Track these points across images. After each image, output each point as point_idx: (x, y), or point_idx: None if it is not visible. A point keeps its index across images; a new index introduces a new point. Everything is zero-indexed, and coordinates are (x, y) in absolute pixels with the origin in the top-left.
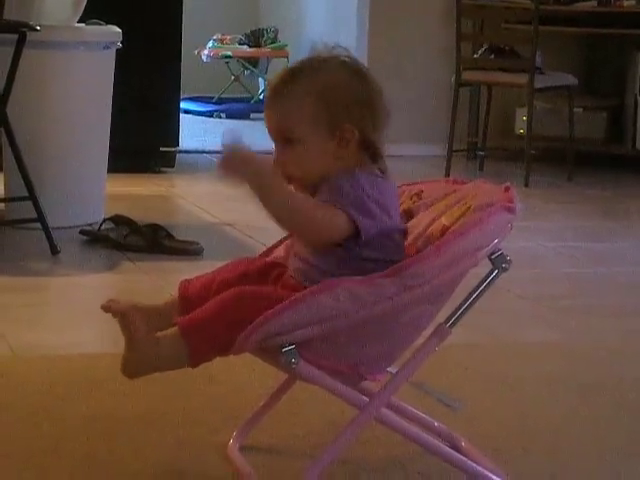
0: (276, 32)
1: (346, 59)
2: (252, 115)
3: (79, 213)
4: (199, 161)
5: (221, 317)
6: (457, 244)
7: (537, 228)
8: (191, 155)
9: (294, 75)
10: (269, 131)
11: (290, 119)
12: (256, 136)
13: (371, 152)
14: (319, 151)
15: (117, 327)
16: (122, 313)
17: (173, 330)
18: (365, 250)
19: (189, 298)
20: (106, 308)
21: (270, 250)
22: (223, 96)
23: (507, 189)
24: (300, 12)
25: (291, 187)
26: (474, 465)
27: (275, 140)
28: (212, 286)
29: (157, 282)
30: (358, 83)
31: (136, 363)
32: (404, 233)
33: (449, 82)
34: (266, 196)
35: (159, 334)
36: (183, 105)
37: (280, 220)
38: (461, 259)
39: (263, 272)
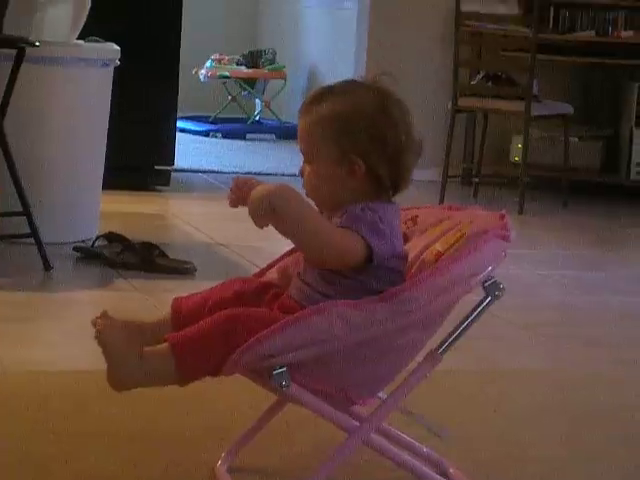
0: (274, 53)
1: (382, 90)
2: (248, 136)
3: (73, 229)
4: (194, 180)
5: (213, 337)
6: (451, 271)
7: (530, 256)
8: (186, 174)
9: (323, 94)
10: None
11: (307, 138)
12: (251, 157)
13: (380, 186)
14: (329, 175)
15: None
16: (98, 330)
17: (163, 346)
18: (372, 281)
19: (182, 316)
20: (94, 323)
21: (263, 271)
22: (220, 116)
23: (502, 217)
24: (298, 34)
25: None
26: None
27: (303, 156)
28: (206, 305)
29: (149, 300)
30: (378, 115)
31: (120, 377)
32: (406, 260)
33: (445, 108)
34: (283, 214)
35: (147, 349)
36: (179, 124)
37: (296, 239)
38: (454, 286)
39: (258, 292)
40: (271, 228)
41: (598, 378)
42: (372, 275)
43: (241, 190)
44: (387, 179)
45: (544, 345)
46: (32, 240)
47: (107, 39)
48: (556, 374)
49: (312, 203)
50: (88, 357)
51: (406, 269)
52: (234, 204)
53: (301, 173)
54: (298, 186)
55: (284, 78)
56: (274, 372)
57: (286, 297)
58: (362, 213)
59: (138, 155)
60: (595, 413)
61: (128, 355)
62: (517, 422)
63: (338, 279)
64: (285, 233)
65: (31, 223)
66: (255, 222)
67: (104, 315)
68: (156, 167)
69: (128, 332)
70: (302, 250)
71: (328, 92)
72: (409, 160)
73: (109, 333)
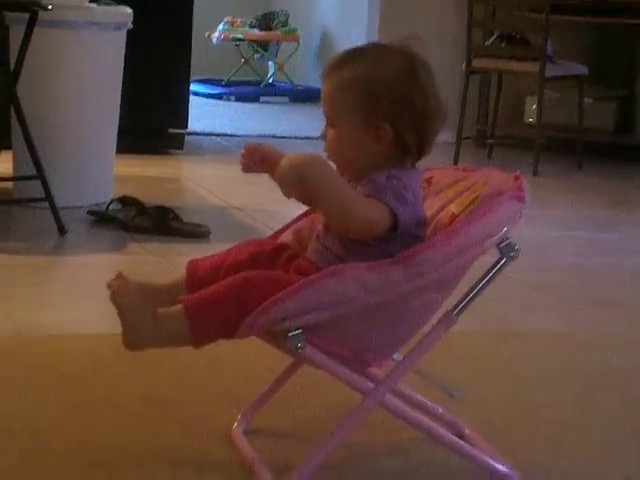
0: (287, 16)
1: (410, 54)
2: (261, 98)
3: (87, 193)
4: (208, 143)
5: (228, 299)
6: (466, 232)
7: (545, 217)
8: (200, 137)
9: (349, 58)
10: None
11: (332, 100)
12: (265, 120)
13: (407, 154)
14: (352, 140)
15: None
16: (113, 291)
17: (177, 307)
18: (395, 248)
19: (197, 279)
20: (109, 285)
21: (278, 234)
22: (232, 79)
23: (517, 178)
24: None
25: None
26: (478, 453)
27: (326, 119)
28: (221, 267)
29: (163, 263)
30: (407, 81)
31: (134, 337)
32: (427, 226)
33: (460, 69)
34: (312, 184)
35: (161, 310)
36: (192, 87)
37: (323, 209)
38: (469, 247)
39: (273, 254)
40: None
41: (612, 339)
42: (395, 242)
43: (252, 155)
44: (413, 145)
45: (557, 306)
46: (46, 204)
47: (119, 2)
48: (569, 335)
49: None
50: (102, 320)
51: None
52: (246, 169)
53: (323, 136)
54: (317, 149)
55: (297, 40)
56: (289, 334)
57: (303, 259)
58: (387, 181)
59: (151, 118)
60: (609, 374)
61: (142, 316)
62: (530, 384)
63: (359, 245)
64: (313, 203)
65: (45, 187)
66: (283, 192)
67: (119, 276)
68: (169, 130)
69: (143, 294)
70: (329, 219)
71: (354, 55)
72: (436, 125)
73: (124, 294)
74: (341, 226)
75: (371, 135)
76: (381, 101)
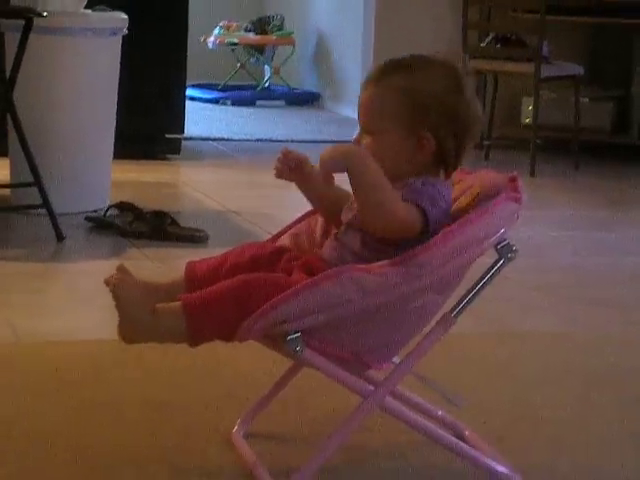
0: (282, 19)
1: (451, 67)
2: (258, 102)
3: (84, 199)
4: (204, 148)
5: (227, 301)
6: (463, 234)
7: (543, 217)
8: (197, 142)
9: (395, 67)
10: (358, 115)
11: (375, 109)
12: (261, 123)
13: (444, 163)
14: (394, 148)
15: None
16: (113, 284)
17: (176, 304)
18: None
19: (196, 279)
20: (107, 282)
21: (276, 237)
22: (229, 83)
23: (514, 179)
24: (306, 0)
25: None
26: (478, 454)
27: (360, 125)
28: (221, 269)
29: (162, 268)
30: (452, 94)
31: (130, 330)
32: None
33: None
34: (356, 176)
35: (160, 305)
36: (188, 92)
37: (361, 203)
38: (467, 249)
39: (273, 257)
40: (284, 196)
41: (609, 340)
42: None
43: (288, 160)
44: (453, 155)
45: (555, 307)
46: (44, 211)
47: (115, 8)
48: (567, 336)
49: None
50: (101, 326)
51: None
52: (279, 174)
53: (356, 142)
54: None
55: (293, 44)
56: (288, 337)
57: (315, 257)
58: (423, 187)
59: (148, 124)
60: (607, 375)
61: (140, 309)
62: (529, 384)
63: (381, 245)
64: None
65: (43, 194)
66: (322, 175)
67: (120, 268)
68: (166, 135)
69: (142, 288)
70: (364, 212)
71: (400, 65)
72: (473, 138)
73: (123, 287)
74: (375, 220)
75: (414, 144)
76: (429, 112)
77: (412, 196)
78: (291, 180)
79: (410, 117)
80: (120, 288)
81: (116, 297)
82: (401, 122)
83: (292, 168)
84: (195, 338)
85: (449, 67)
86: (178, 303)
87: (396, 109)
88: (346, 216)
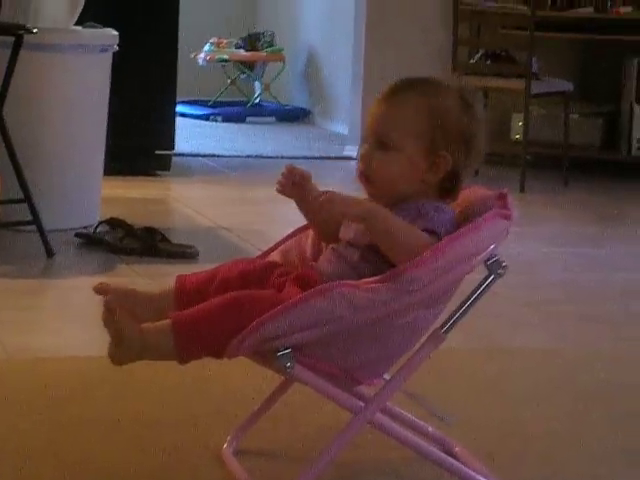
0: (272, 36)
1: (466, 91)
2: (248, 119)
3: (75, 215)
4: (195, 164)
5: (216, 319)
6: (453, 250)
7: (532, 234)
8: (187, 158)
9: (414, 86)
10: (368, 127)
11: (395, 125)
12: (252, 140)
13: (451, 187)
14: (409, 166)
15: None
16: (108, 309)
17: (165, 322)
18: None
19: (185, 293)
20: (98, 290)
21: (266, 254)
22: (219, 100)
23: (504, 196)
24: (296, 16)
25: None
26: (468, 470)
27: (370, 139)
28: (211, 284)
29: (152, 285)
30: (468, 119)
31: (122, 354)
32: None
33: None
34: (372, 223)
35: (149, 325)
36: (179, 108)
37: (389, 251)
38: (457, 265)
39: (263, 272)
40: (275, 212)
41: (599, 356)
42: None
43: (292, 175)
44: (464, 177)
45: (546, 323)
46: (34, 227)
47: (105, 24)
48: (557, 352)
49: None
50: (91, 343)
51: None
52: (281, 190)
53: (361, 157)
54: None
55: (283, 60)
56: (278, 353)
57: (310, 270)
58: (436, 214)
59: (138, 140)
60: (596, 391)
61: (130, 331)
62: (519, 400)
63: (380, 258)
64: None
65: (33, 210)
66: (325, 214)
67: (101, 289)
68: (156, 152)
69: (132, 301)
70: (392, 257)
71: (419, 84)
72: (477, 164)
73: (113, 311)
74: (403, 259)
75: (428, 163)
76: (447, 134)
77: (429, 225)
78: (292, 196)
79: (432, 134)
80: (110, 313)
81: (108, 325)
82: (423, 140)
83: (295, 182)
84: (184, 356)
85: (461, 91)
86: (167, 322)
87: (420, 127)
88: (347, 234)
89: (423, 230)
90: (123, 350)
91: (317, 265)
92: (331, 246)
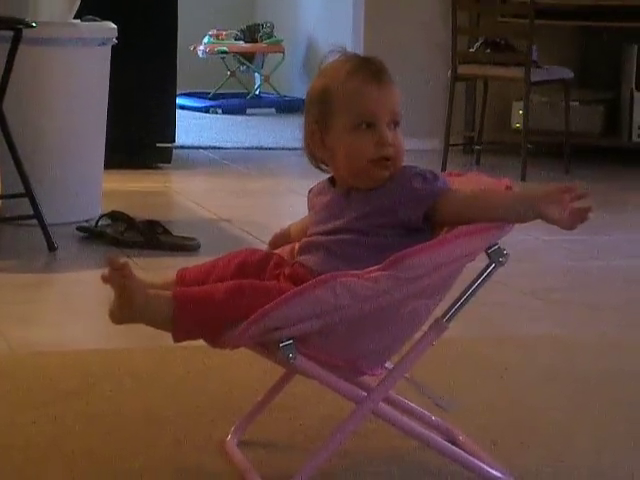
0: (272, 27)
1: None
2: (248, 110)
3: (76, 209)
4: (196, 157)
5: (218, 301)
6: (457, 242)
7: (534, 222)
8: (187, 151)
9: (382, 63)
10: (383, 109)
11: (399, 102)
12: (252, 131)
13: None
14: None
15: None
16: (115, 267)
17: (168, 292)
18: (409, 242)
19: (185, 282)
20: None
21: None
22: (219, 92)
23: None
24: (295, 7)
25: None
26: (472, 459)
27: (382, 120)
28: (210, 276)
29: (154, 278)
30: None
31: (123, 311)
32: None
33: (445, 76)
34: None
35: (153, 290)
36: (179, 101)
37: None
38: (459, 255)
39: (261, 262)
40: (275, 203)
41: (603, 343)
42: (413, 237)
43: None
44: None
45: (549, 310)
46: (35, 221)
47: (103, 18)
48: (561, 339)
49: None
50: (94, 337)
51: None
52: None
53: (392, 143)
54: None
55: (282, 52)
56: (281, 345)
57: (298, 265)
58: (424, 171)
59: (139, 133)
60: (600, 378)
61: (136, 287)
62: (523, 388)
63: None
64: None
65: (34, 204)
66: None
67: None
68: (157, 144)
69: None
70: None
71: (380, 61)
72: None
73: (126, 275)
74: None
75: None
76: None
77: (440, 184)
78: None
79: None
80: (117, 269)
81: (112, 279)
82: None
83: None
84: (179, 330)
85: None
86: (169, 293)
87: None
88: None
89: (440, 190)
90: (125, 306)
91: (304, 260)
92: (307, 240)
